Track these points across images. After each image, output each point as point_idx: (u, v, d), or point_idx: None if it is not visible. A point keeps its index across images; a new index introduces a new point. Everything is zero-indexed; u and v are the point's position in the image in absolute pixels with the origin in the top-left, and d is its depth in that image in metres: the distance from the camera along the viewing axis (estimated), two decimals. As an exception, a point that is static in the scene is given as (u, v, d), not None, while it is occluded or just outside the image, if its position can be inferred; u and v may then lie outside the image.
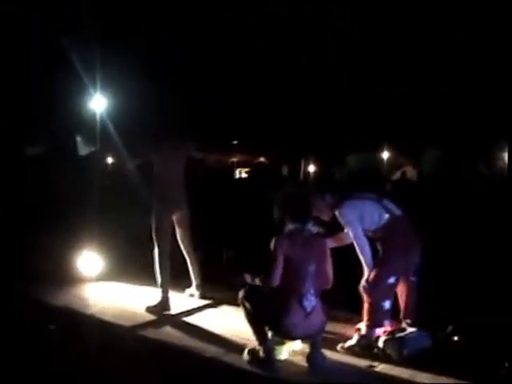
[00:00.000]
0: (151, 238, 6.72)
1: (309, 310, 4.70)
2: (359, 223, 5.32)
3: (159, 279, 6.63)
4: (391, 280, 5.22)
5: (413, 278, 5.44)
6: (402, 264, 5.30)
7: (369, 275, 5.26)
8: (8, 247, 8.78)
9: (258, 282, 4.93)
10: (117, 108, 9.25)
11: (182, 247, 7.02)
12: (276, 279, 4.77)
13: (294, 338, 4.94)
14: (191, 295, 7.09)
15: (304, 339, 4.98)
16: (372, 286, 5.21)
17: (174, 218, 6.84)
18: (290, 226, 4.90)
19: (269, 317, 4.78)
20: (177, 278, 6.89)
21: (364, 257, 5.30)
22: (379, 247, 5.42)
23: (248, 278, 5.04)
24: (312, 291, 4.75)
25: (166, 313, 6.48)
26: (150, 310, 6.51)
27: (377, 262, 5.30)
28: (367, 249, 5.30)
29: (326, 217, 5.61)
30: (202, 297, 7.02)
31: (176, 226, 6.92)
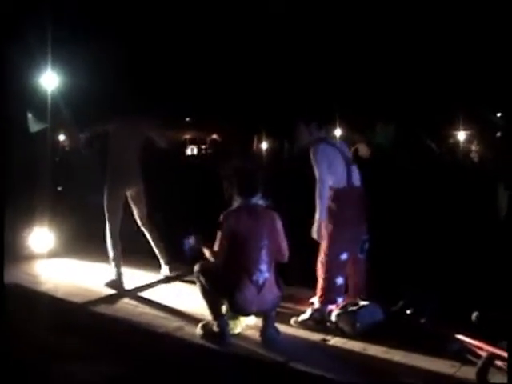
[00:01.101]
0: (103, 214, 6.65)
1: (260, 283, 4.73)
2: (327, 168, 5.27)
3: (110, 255, 6.56)
4: (344, 256, 5.25)
5: (361, 256, 5.47)
6: (352, 238, 5.31)
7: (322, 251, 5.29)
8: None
9: (208, 256, 4.93)
10: (69, 84, 9.04)
11: (141, 227, 6.93)
12: (221, 254, 4.80)
13: (247, 313, 4.96)
14: (166, 276, 6.93)
15: (258, 314, 5.01)
16: (325, 262, 5.24)
17: (128, 194, 6.75)
18: (238, 201, 4.92)
19: (222, 292, 4.80)
20: (131, 252, 6.86)
21: (320, 200, 5.21)
22: (330, 220, 5.40)
23: (196, 242, 5.06)
24: (263, 265, 4.76)
25: (120, 288, 6.44)
26: (108, 285, 6.47)
27: (328, 238, 5.31)
28: (325, 192, 5.23)
29: (301, 142, 5.64)
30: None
31: (131, 203, 6.83)
